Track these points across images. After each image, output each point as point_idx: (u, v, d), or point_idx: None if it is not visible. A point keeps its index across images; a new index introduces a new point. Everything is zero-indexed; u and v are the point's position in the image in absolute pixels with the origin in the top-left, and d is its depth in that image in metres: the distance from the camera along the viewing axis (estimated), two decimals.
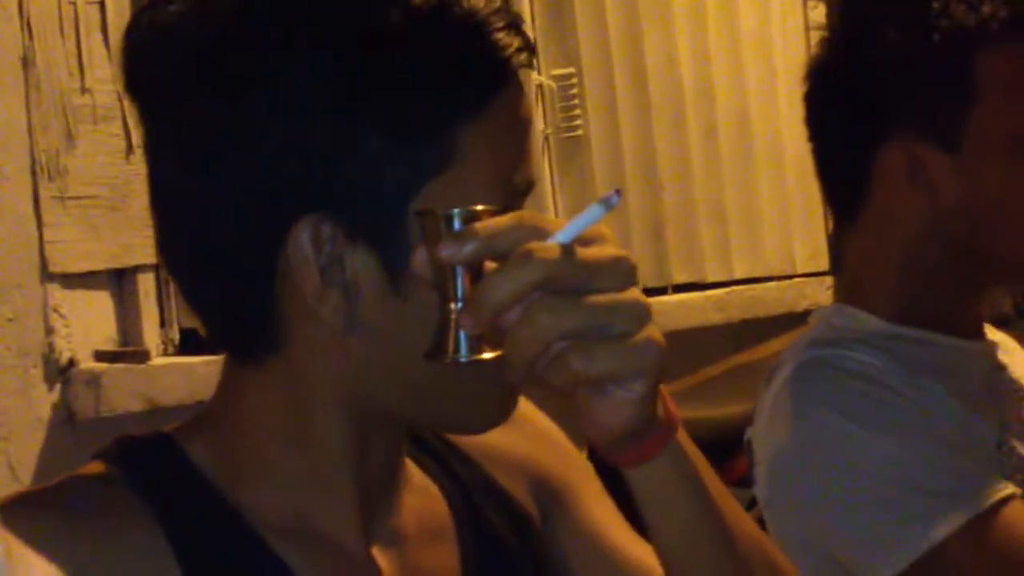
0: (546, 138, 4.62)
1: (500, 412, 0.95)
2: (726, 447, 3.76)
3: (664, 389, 0.91)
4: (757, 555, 0.96)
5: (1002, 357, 1.65)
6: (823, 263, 5.02)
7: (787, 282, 4.98)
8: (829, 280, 5.62)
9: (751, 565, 0.95)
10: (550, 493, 1.08)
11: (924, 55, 1.55)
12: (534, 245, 0.82)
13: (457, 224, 0.84)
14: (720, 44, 4.95)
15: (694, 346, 4.68)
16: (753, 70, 4.96)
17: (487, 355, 0.85)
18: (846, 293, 1.62)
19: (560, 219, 0.85)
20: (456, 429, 0.97)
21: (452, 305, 0.85)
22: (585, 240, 0.85)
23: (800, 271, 5.02)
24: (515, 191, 0.92)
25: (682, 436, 0.92)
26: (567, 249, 0.82)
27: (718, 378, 3.97)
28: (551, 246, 0.82)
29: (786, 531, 1.54)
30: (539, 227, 0.84)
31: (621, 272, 0.84)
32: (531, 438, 1.08)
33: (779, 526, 1.56)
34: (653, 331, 0.84)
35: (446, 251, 0.83)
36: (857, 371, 1.48)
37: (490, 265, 0.83)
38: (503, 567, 1.02)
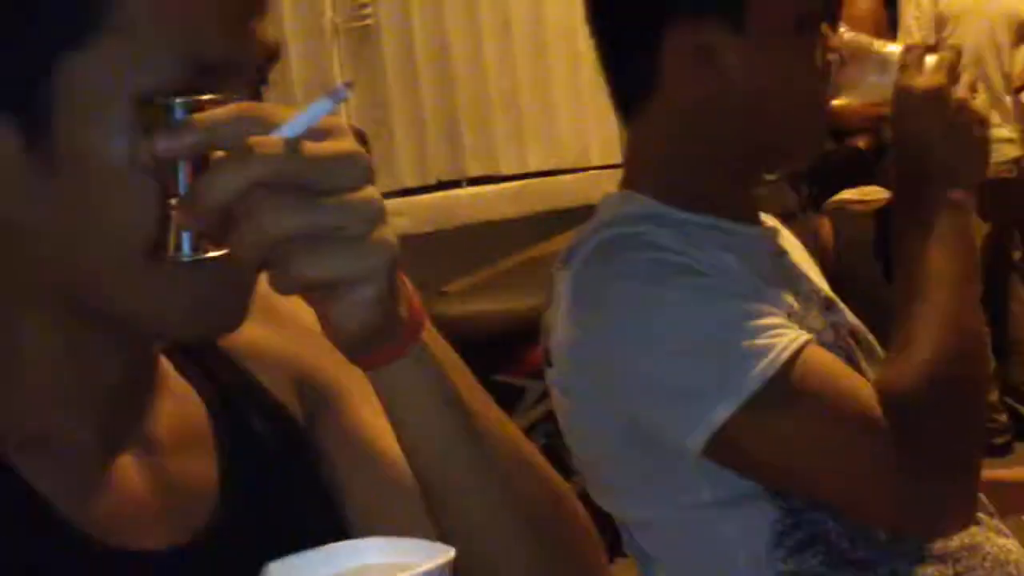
0: (335, 27, 4.54)
1: (231, 314, 0.89)
2: (522, 338, 3.80)
3: (411, 287, 0.87)
4: (519, 461, 0.94)
5: (781, 243, 1.68)
6: (617, 155, 5.06)
7: (582, 174, 5.01)
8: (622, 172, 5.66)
9: (511, 472, 0.92)
10: (318, 394, 1.04)
11: None
12: (257, 139, 0.76)
13: (179, 114, 0.78)
14: None
15: (490, 239, 4.69)
16: None
17: (211, 254, 0.79)
18: (633, 181, 1.62)
19: (289, 110, 0.79)
20: (182, 332, 0.91)
21: (173, 201, 0.79)
22: (319, 133, 0.79)
23: (595, 163, 5.05)
24: (205, 68, 0.83)
25: (431, 337, 0.88)
26: (293, 144, 0.77)
27: (514, 270, 3.99)
28: (275, 140, 0.77)
29: (590, 414, 1.54)
30: (265, 119, 0.78)
31: (354, 169, 0.79)
32: (299, 337, 1.03)
33: (582, 410, 1.56)
34: (386, 231, 0.79)
35: (163, 143, 0.77)
36: (651, 242, 1.49)
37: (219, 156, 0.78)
38: (262, 472, 0.99)
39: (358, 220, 0.78)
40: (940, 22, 5.05)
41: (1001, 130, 5.05)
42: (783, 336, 1.47)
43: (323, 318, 0.83)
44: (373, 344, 0.84)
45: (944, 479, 1.49)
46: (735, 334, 1.46)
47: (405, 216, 4.56)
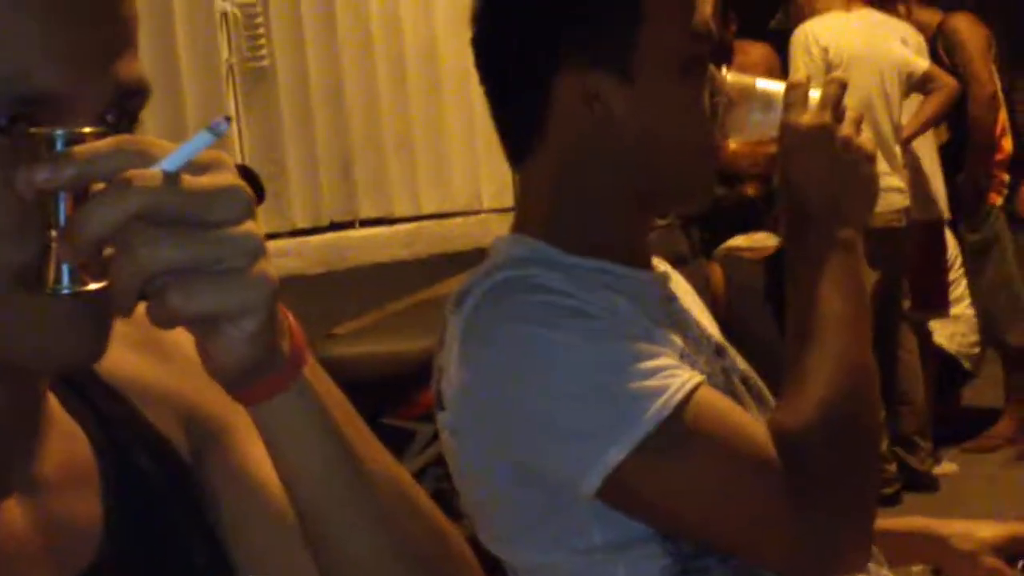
0: (230, 68, 4.52)
1: (93, 347, 0.88)
2: (412, 381, 3.79)
3: (294, 322, 0.87)
4: (402, 500, 0.93)
5: (672, 288, 1.69)
6: (509, 199, 5.08)
7: (474, 218, 5.02)
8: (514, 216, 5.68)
9: (394, 510, 0.92)
10: (204, 429, 1.03)
11: None
12: (134, 172, 0.76)
13: (60, 146, 0.78)
14: None
15: (382, 281, 4.68)
16: (442, 4, 4.95)
17: (91, 286, 0.79)
18: (524, 225, 1.63)
19: (170, 144, 0.79)
20: (36, 363, 0.90)
21: (53, 233, 0.79)
22: (199, 167, 0.79)
23: (487, 207, 5.06)
24: (30, 100, 0.82)
25: (312, 373, 0.87)
26: (172, 177, 0.77)
27: (405, 312, 3.98)
28: (152, 173, 0.76)
29: (481, 456, 1.54)
30: (144, 152, 0.77)
31: (234, 203, 0.78)
32: (185, 371, 1.02)
33: (473, 452, 1.55)
34: (265, 266, 0.79)
35: (42, 175, 0.76)
36: (541, 285, 1.49)
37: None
38: (147, 510, 0.98)
39: (237, 254, 0.78)
40: (831, 70, 5.13)
41: (891, 179, 5.14)
42: (676, 377, 1.47)
43: (202, 352, 0.82)
44: (253, 379, 0.84)
45: (838, 519, 1.49)
46: (627, 376, 1.46)
47: (297, 257, 4.54)
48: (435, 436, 3.79)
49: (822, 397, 1.49)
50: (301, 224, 4.65)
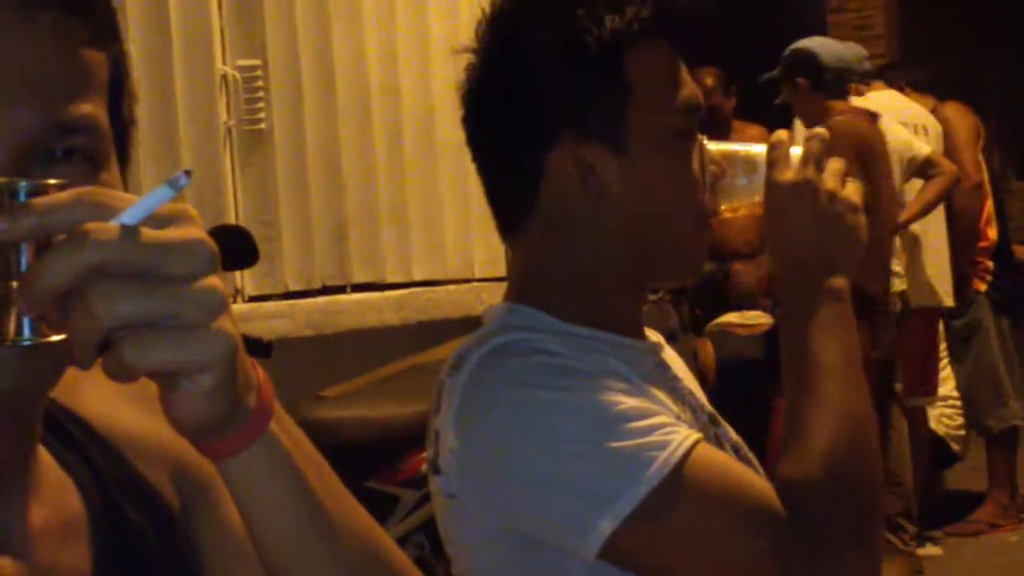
0: (228, 130, 4.55)
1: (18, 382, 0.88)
2: (399, 447, 3.79)
3: (263, 376, 0.87)
4: (374, 559, 0.93)
5: (664, 358, 1.70)
6: (501, 269, 5.09)
7: (465, 286, 5.04)
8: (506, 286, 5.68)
9: (365, 568, 0.92)
10: (193, 483, 1.03)
11: (579, 61, 1.57)
12: (92, 225, 0.75)
13: (22, 197, 0.77)
14: (408, 46, 4.97)
15: (372, 346, 4.69)
16: (440, 74, 4.99)
17: (51, 338, 0.78)
18: (517, 295, 1.64)
19: (132, 198, 0.78)
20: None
21: (14, 284, 0.77)
22: (162, 220, 0.78)
23: (478, 275, 5.08)
24: None
25: (281, 428, 0.86)
26: (130, 230, 0.76)
27: (394, 378, 3.99)
28: (110, 227, 0.76)
29: (480, 520, 1.54)
30: (104, 204, 0.77)
31: (195, 257, 0.78)
32: None
33: (472, 516, 1.55)
34: (224, 322, 0.78)
35: (0, 226, 0.76)
36: (540, 348, 1.50)
37: None
38: (137, 564, 0.98)
39: (195, 309, 0.78)
40: None
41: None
42: (675, 434, 1.47)
43: (164, 405, 0.82)
44: (216, 434, 0.84)
45: (847, 566, 1.50)
46: (627, 434, 1.46)
47: (288, 319, 4.55)
48: (419, 502, 3.78)
49: (824, 448, 1.50)
50: (293, 287, 4.66)
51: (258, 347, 3.26)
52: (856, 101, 5.29)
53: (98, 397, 1.01)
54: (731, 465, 1.52)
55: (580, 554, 1.47)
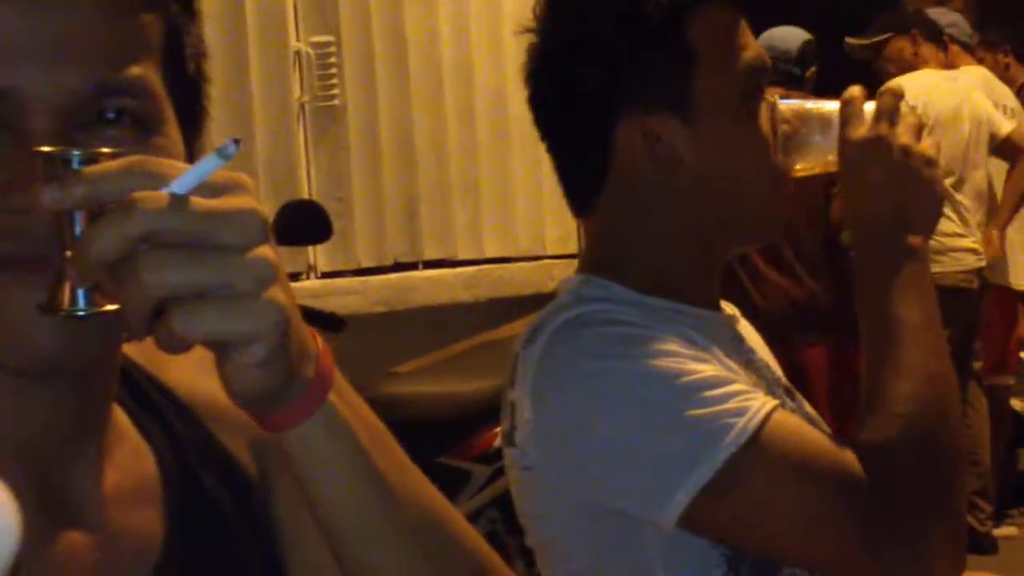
0: (302, 106, 4.57)
1: (55, 348, 0.87)
2: (471, 422, 3.80)
3: (323, 346, 0.84)
4: (439, 531, 0.92)
5: (739, 330, 1.69)
6: (573, 246, 5.09)
7: (536, 263, 5.04)
8: (577, 263, 5.66)
9: (430, 540, 0.91)
10: (271, 453, 1.03)
11: (639, 31, 1.56)
12: (141, 194, 0.74)
13: (75, 165, 0.76)
14: (481, 23, 4.97)
15: (443, 322, 4.70)
16: (512, 52, 4.98)
17: (105, 308, 0.77)
18: (591, 267, 1.63)
19: (185, 165, 0.77)
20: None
21: (68, 254, 0.76)
22: (215, 189, 0.76)
23: (550, 253, 5.08)
24: None
25: (343, 400, 0.85)
26: (179, 200, 0.75)
27: (465, 354, 4.00)
28: (160, 196, 0.75)
29: (555, 492, 1.54)
30: (155, 173, 0.76)
31: (246, 226, 0.76)
32: None
33: (546, 488, 1.55)
34: (276, 292, 0.77)
35: (50, 195, 0.75)
36: (615, 319, 1.50)
37: None
38: (212, 531, 0.98)
39: (246, 279, 0.76)
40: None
41: (965, 240, 5.12)
42: (753, 401, 1.46)
43: (221, 377, 0.81)
44: (272, 405, 0.83)
45: (930, 531, 1.47)
46: (704, 402, 1.45)
47: (360, 295, 4.58)
48: (491, 477, 3.79)
49: (902, 411, 1.48)
50: (365, 263, 4.69)
51: (331, 322, 3.28)
52: (929, 75, 5.25)
53: (183, 365, 1.01)
54: (809, 431, 1.50)
55: (658, 523, 1.47)
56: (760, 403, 1.46)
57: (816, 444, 1.48)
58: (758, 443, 1.44)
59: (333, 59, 4.60)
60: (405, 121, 4.76)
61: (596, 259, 1.64)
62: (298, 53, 4.57)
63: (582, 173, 1.63)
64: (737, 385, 1.48)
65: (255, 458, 1.03)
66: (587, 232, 1.70)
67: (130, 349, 0.97)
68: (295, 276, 4.50)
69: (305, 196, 4.45)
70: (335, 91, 4.60)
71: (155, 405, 1.00)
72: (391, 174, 4.75)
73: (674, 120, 1.56)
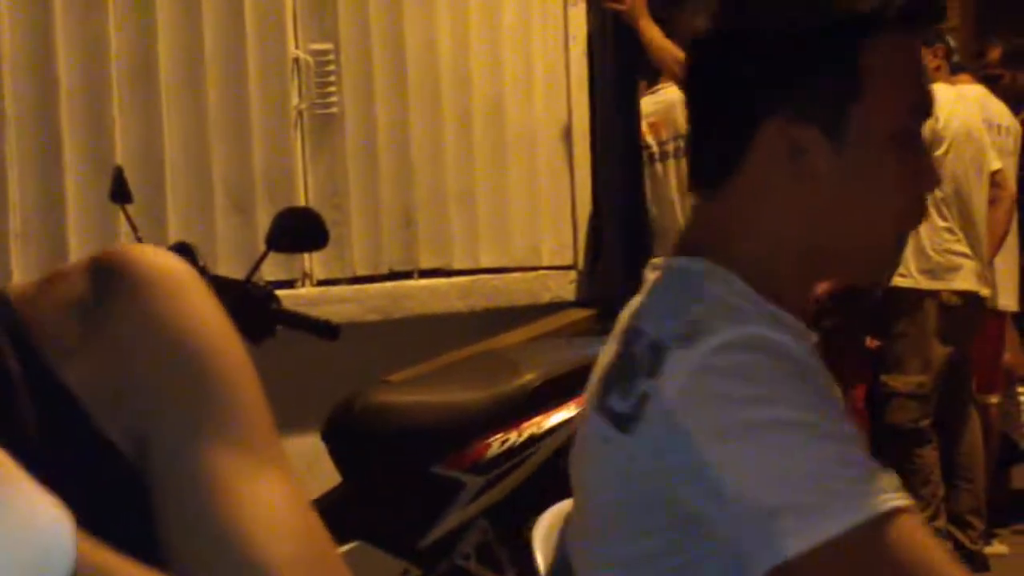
0: (300, 113, 4.57)
1: None
2: (465, 432, 3.80)
3: None
4: None
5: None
6: (568, 257, 5.09)
7: (532, 273, 5.04)
8: (573, 274, 5.72)
9: None
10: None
11: (812, 35, 1.54)
12: None
13: None
14: (480, 34, 4.97)
15: (438, 331, 4.70)
16: (510, 63, 4.99)
17: None
18: (706, 250, 1.59)
19: None
20: None
21: None
22: None
23: (546, 263, 5.08)
24: None
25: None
26: None
27: (460, 363, 4.00)
28: None
29: (649, 483, 1.48)
30: None
31: None
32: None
33: (642, 475, 1.50)
34: None
35: None
36: (789, 355, 1.46)
37: None
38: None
39: None
40: (937, 141, 5.12)
41: (974, 262, 5.15)
42: (883, 485, 1.42)
43: None
44: None
45: None
46: (854, 464, 1.43)
47: (355, 303, 4.58)
48: (484, 488, 3.79)
49: None
50: (361, 271, 4.69)
51: (326, 330, 3.28)
52: (947, 90, 5.23)
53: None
54: (936, 543, 1.45)
55: (752, 560, 1.42)
56: (892, 494, 1.41)
57: (940, 556, 1.43)
58: (890, 524, 1.39)
59: (332, 67, 4.60)
60: (402, 130, 4.77)
61: (713, 242, 1.59)
62: (297, 60, 4.57)
63: (718, 150, 1.60)
64: (870, 465, 1.43)
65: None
66: (699, 213, 1.66)
67: None
68: (290, 284, 4.51)
69: (302, 203, 4.45)
70: (333, 99, 4.60)
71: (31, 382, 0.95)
72: (388, 182, 4.75)
73: (821, 136, 1.53)
